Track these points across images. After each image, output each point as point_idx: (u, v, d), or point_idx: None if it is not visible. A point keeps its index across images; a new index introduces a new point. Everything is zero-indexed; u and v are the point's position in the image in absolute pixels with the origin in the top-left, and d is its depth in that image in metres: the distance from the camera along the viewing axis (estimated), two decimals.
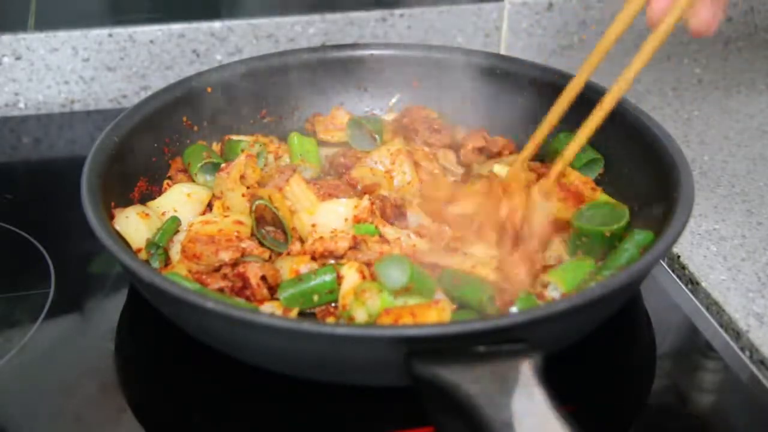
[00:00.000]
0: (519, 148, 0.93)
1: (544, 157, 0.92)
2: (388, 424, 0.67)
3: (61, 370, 0.73)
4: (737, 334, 0.77)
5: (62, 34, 1.12)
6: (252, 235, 0.81)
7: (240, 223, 0.81)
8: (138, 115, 0.87)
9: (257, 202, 0.81)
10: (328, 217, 0.81)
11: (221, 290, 0.75)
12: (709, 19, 0.66)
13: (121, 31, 1.13)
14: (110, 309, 0.79)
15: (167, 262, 0.80)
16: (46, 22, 1.12)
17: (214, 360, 0.69)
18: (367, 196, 0.83)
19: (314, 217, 0.82)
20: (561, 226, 0.82)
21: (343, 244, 0.78)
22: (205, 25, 1.15)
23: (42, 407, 0.69)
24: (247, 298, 0.74)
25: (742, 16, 1.32)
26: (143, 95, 1.06)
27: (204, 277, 0.76)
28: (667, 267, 0.86)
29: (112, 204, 0.80)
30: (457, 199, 0.84)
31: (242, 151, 0.90)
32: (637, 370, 0.75)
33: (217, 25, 1.15)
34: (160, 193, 0.88)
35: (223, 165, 0.86)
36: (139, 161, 0.87)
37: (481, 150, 0.94)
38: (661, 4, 0.68)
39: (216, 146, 0.95)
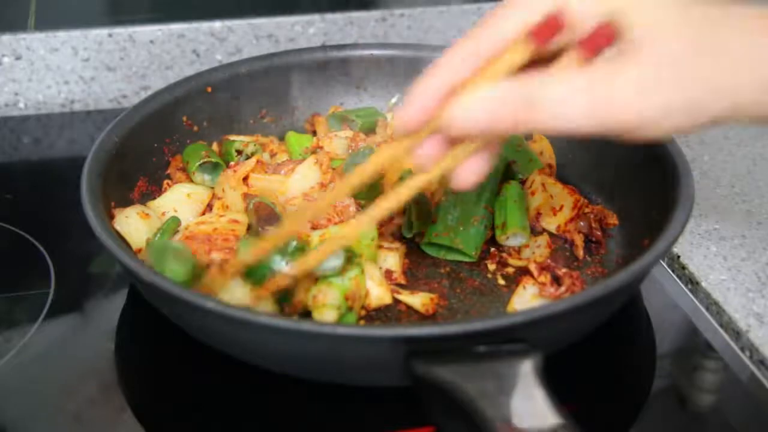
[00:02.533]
0: None
1: None
2: (388, 424, 0.67)
3: (61, 370, 0.73)
4: (737, 334, 0.77)
5: (62, 34, 1.12)
6: (249, 232, 0.81)
7: (236, 222, 0.81)
8: (138, 115, 0.87)
9: (254, 201, 0.82)
10: (298, 185, 0.84)
11: None
12: (472, 179, 0.58)
13: (121, 31, 1.13)
14: (110, 309, 0.79)
15: None
16: (46, 22, 1.12)
17: (214, 360, 0.69)
18: (313, 156, 0.87)
19: (287, 193, 0.83)
20: None
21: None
22: (205, 25, 1.15)
23: (42, 407, 0.69)
24: None
25: None
26: (143, 95, 1.06)
27: None
28: (667, 267, 0.86)
29: (112, 204, 0.80)
30: None
31: (236, 151, 0.90)
32: (637, 370, 0.75)
33: (217, 25, 1.15)
34: (160, 193, 0.88)
35: (231, 163, 0.87)
36: (139, 161, 0.87)
37: None
38: (426, 158, 0.58)
39: (216, 146, 0.95)
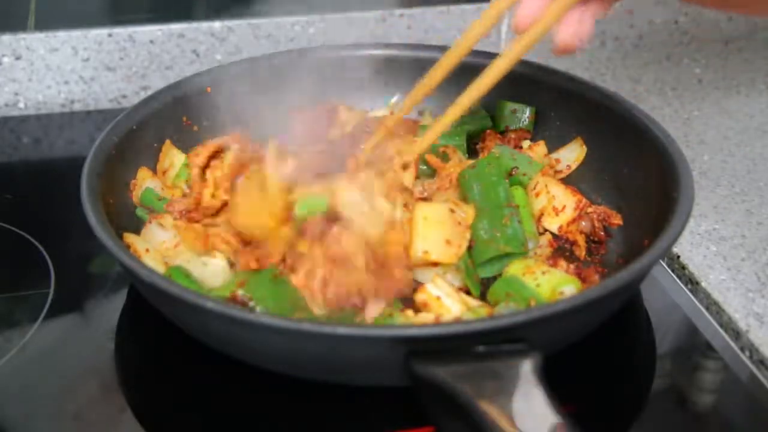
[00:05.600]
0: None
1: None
2: (388, 424, 0.67)
3: (61, 370, 0.73)
4: (737, 334, 0.77)
5: (62, 34, 1.12)
6: None
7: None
8: (138, 115, 0.87)
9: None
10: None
11: None
12: (572, 35, 0.67)
13: (121, 31, 1.13)
14: (110, 309, 0.79)
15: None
16: (46, 22, 1.12)
17: (214, 360, 0.69)
18: None
19: None
20: None
21: None
22: (205, 25, 1.15)
23: (42, 407, 0.69)
24: None
25: (742, 16, 1.32)
26: (143, 95, 1.06)
27: None
28: (667, 267, 0.86)
29: (112, 202, 0.80)
30: None
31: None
32: (637, 370, 0.75)
33: (217, 25, 1.15)
34: None
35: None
36: (139, 161, 0.87)
37: None
38: (527, 12, 0.67)
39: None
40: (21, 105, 1.15)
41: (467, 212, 0.80)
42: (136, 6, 1.15)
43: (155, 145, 0.90)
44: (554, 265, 0.78)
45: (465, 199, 0.85)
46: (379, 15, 1.19)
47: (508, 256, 0.79)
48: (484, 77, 0.75)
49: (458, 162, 0.90)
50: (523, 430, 0.53)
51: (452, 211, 0.79)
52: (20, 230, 0.88)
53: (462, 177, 0.86)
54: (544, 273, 0.75)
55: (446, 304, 0.73)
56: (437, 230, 0.77)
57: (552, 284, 0.73)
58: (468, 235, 0.79)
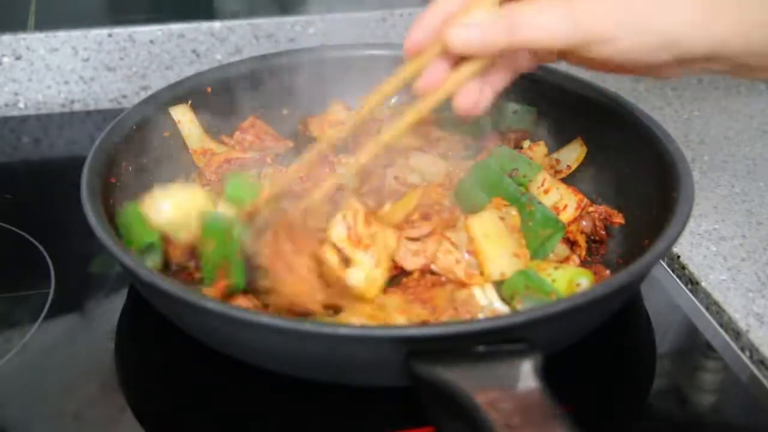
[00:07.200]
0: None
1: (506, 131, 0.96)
2: (388, 424, 0.67)
3: (61, 370, 0.72)
4: (737, 334, 0.77)
5: (62, 34, 1.12)
6: None
7: None
8: (138, 114, 0.87)
9: None
10: None
11: None
12: (472, 103, 0.67)
13: (121, 31, 1.13)
14: (110, 309, 0.79)
15: None
16: (46, 22, 1.12)
17: (214, 360, 0.69)
18: None
19: None
20: None
21: None
22: (205, 25, 1.15)
23: (42, 407, 0.69)
24: None
25: None
26: (143, 95, 1.06)
27: None
28: (667, 267, 0.86)
29: (112, 202, 0.80)
30: None
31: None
32: (637, 370, 0.75)
33: (217, 25, 1.15)
34: None
35: None
36: (139, 161, 0.87)
37: None
38: (429, 81, 0.67)
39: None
40: (21, 105, 1.15)
41: (512, 213, 0.79)
42: (135, 6, 1.15)
43: (155, 145, 0.90)
44: (565, 261, 0.78)
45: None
46: (379, 15, 1.19)
47: (549, 240, 0.78)
48: (383, 135, 0.71)
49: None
50: (523, 430, 0.53)
51: (502, 218, 0.78)
52: (20, 230, 0.88)
53: (462, 186, 0.84)
54: (556, 268, 0.75)
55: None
56: (502, 246, 0.75)
57: (567, 278, 0.73)
58: (523, 241, 0.77)
